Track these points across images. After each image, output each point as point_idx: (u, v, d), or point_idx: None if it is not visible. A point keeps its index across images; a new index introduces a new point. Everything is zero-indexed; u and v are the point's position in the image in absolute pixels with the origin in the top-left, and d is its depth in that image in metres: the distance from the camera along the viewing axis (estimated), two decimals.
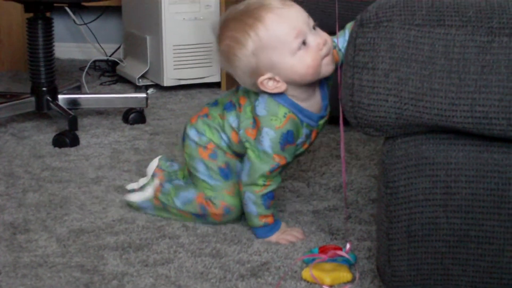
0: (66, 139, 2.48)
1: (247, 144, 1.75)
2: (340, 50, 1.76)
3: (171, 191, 1.87)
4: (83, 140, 2.53)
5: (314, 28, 1.70)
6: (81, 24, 3.72)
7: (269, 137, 1.71)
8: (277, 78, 1.69)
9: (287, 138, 1.72)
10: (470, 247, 1.28)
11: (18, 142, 2.53)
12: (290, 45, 1.67)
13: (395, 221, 1.30)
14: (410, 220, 1.29)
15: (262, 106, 1.73)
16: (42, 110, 2.70)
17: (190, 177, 1.89)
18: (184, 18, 3.18)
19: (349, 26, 1.78)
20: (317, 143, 2.42)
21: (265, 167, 1.73)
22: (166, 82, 3.21)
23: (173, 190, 1.87)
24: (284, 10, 1.69)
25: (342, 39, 1.76)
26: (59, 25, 3.70)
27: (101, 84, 3.44)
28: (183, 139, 1.89)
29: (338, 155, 2.31)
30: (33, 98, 2.67)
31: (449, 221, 1.27)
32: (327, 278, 1.56)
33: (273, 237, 1.77)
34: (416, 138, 1.28)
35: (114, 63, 3.61)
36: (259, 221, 1.77)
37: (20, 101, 2.70)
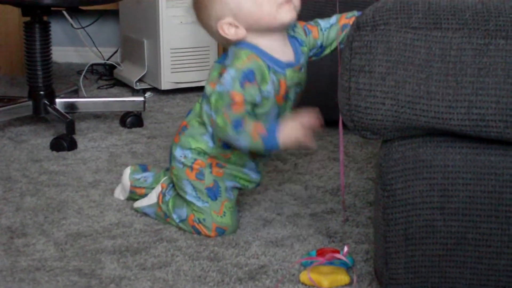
0: (64, 143, 2.48)
1: (211, 98, 1.73)
2: (321, 30, 1.84)
3: (169, 204, 1.87)
4: (80, 144, 2.53)
5: None
6: (78, 28, 3.72)
7: (230, 76, 1.71)
8: (236, 23, 1.74)
9: (247, 76, 1.71)
10: (467, 250, 1.28)
11: (16, 146, 2.53)
12: None
13: (392, 224, 1.31)
14: (407, 223, 1.29)
15: (230, 57, 1.76)
16: (39, 114, 2.70)
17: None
18: (181, 22, 3.18)
19: (337, 16, 1.86)
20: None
21: (222, 103, 1.70)
22: (164, 86, 3.21)
23: (171, 203, 1.87)
24: None
25: (325, 22, 1.86)
26: (57, 29, 3.71)
27: (98, 87, 3.43)
28: (170, 161, 1.88)
29: (335, 158, 2.32)
30: (30, 102, 2.67)
31: (446, 224, 1.27)
32: (325, 281, 1.56)
33: (284, 138, 1.69)
34: (413, 141, 1.28)
35: (112, 67, 3.60)
36: (257, 140, 1.70)
37: (18, 105, 2.70)
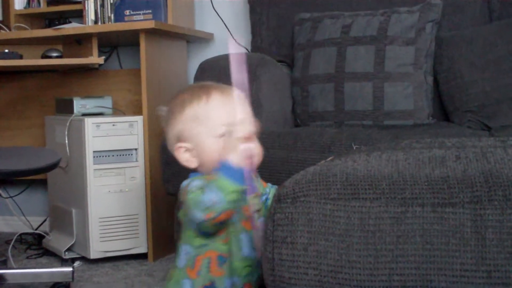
0: None
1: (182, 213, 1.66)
2: (270, 185, 1.85)
3: None
4: None
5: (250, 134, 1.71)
6: (7, 197, 3.70)
7: (195, 183, 1.65)
8: (194, 152, 1.72)
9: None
10: None
11: None
12: (216, 129, 1.70)
13: None
14: None
15: (188, 181, 1.71)
16: None
17: None
18: (109, 191, 3.20)
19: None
20: None
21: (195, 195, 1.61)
22: (93, 255, 3.19)
23: None
24: (233, 100, 1.70)
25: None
26: None
27: (27, 257, 3.39)
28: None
29: None
30: None
31: None
32: None
33: (232, 158, 1.59)
34: None
35: (40, 236, 3.57)
36: (218, 180, 1.57)
37: None
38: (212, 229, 1.65)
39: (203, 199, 1.58)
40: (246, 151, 1.68)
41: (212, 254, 1.71)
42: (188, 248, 1.73)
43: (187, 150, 1.73)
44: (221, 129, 1.70)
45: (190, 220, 1.66)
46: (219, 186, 1.58)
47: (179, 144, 1.73)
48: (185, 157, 1.74)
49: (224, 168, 1.59)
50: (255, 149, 1.70)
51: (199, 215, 1.59)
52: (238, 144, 1.66)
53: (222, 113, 1.72)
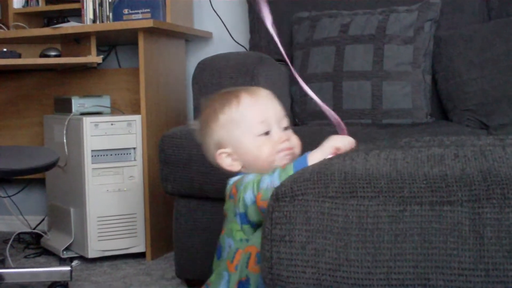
0: None
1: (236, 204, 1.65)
2: None
3: None
4: None
5: (285, 129, 1.75)
6: (4, 197, 3.70)
7: (249, 176, 1.65)
8: (235, 156, 1.73)
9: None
10: None
11: None
12: (253, 128, 1.72)
13: None
14: None
15: (237, 177, 1.71)
16: None
17: None
18: (107, 190, 3.19)
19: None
20: None
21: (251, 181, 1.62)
22: (91, 254, 3.18)
23: None
24: (263, 99, 1.76)
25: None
26: None
27: (25, 256, 3.38)
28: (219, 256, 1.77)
29: None
30: None
31: None
32: None
33: (314, 159, 1.61)
34: None
35: (38, 236, 3.57)
36: (287, 167, 1.60)
37: None
38: (257, 217, 1.64)
39: (265, 179, 1.60)
40: (286, 147, 1.73)
41: (253, 250, 1.70)
42: (230, 241, 1.73)
43: (228, 155, 1.75)
44: (258, 127, 1.73)
45: (237, 213, 1.67)
46: (287, 176, 1.56)
47: (220, 151, 1.75)
48: (227, 162, 1.76)
49: (301, 161, 1.61)
50: (294, 141, 1.76)
51: (252, 194, 1.61)
52: (278, 143, 1.72)
53: (255, 112, 1.74)
